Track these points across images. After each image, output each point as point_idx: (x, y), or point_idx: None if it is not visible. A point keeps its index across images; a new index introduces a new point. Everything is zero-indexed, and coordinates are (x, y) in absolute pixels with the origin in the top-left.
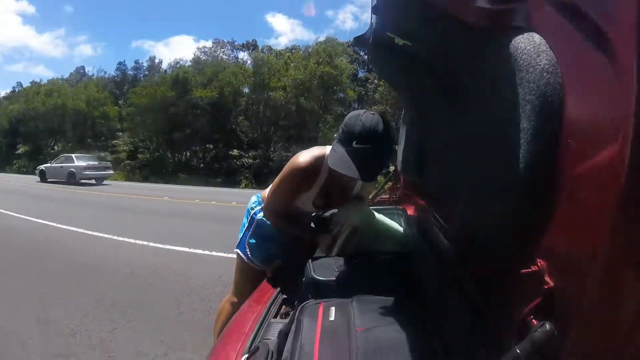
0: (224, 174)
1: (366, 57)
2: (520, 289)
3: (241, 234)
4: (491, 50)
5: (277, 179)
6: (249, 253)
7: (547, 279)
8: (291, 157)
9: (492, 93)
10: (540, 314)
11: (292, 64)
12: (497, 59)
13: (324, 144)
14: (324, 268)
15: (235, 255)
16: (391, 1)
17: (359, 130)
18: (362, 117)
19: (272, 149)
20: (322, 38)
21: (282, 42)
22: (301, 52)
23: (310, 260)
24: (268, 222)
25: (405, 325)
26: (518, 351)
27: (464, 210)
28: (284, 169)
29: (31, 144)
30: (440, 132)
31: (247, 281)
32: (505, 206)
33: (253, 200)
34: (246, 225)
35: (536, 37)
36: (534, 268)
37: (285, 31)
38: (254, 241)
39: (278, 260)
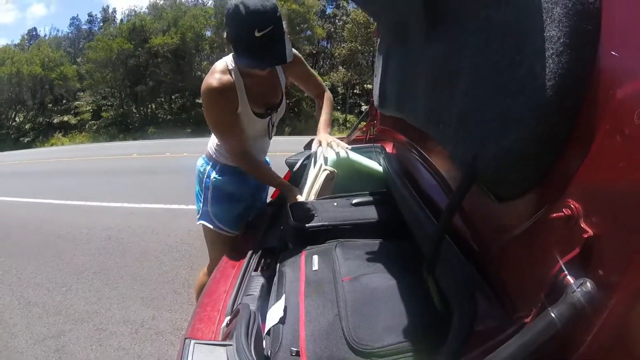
0: (193, 124)
1: None
2: (549, 238)
3: (200, 204)
4: None
5: (206, 118)
6: (216, 222)
7: (584, 225)
8: None
9: (500, 2)
10: (578, 270)
11: None
12: None
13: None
14: (304, 213)
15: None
16: None
17: (254, 17)
18: (246, 3)
19: None
20: None
21: None
22: None
23: (289, 206)
24: (223, 179)
25: (395, 271)
26: (553, 315)
27: (469, 142)
28: (203, 106)
29: None
30: (428, 58)
31: (222, 247)
32: (526, 134)
33: (200, 163)
34: (202, 194)
35: None
36: (566, 212)
37: None
38: (216, 208)
39: (247, 219)
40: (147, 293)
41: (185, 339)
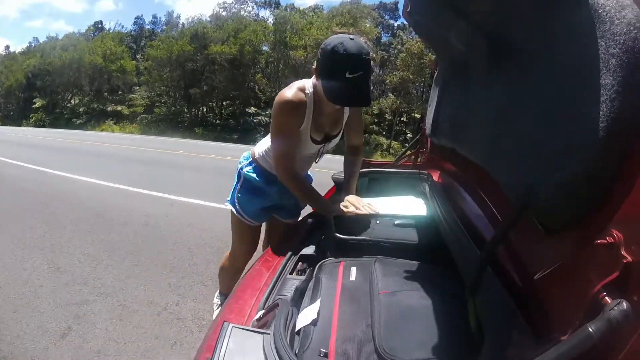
0: (240, 131)
1: (402, 9)
2: (592, 262)
3: (232, 190)
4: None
5: (271, 126)
6: (238, 208)
7: (624, 252)
8: None
9: (562, 49)
10: (615, 291)
11: (315, 24)
12: (572, 13)
13: None
14: (346, 226)
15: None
16: None
17: (350, 61)
18: (345, 45)
19: None
20: None
21: (307, 2)
22: (325, 12)
23: (332, 217)
24: (254, 175)
25: (431, 292)
26: (590, 330)
27: (523, 173)
28: (272, 114)
29: (48, 97)
30: (489, 93)
31: (242, 235)
32: (579, 169)
33: (244, 156)
34: (235, 181)
35: None
36: (609, 240)
37: None
38: (242, 195)
39: (268, 215)
40: (174, 280)
41: (224, 321)
